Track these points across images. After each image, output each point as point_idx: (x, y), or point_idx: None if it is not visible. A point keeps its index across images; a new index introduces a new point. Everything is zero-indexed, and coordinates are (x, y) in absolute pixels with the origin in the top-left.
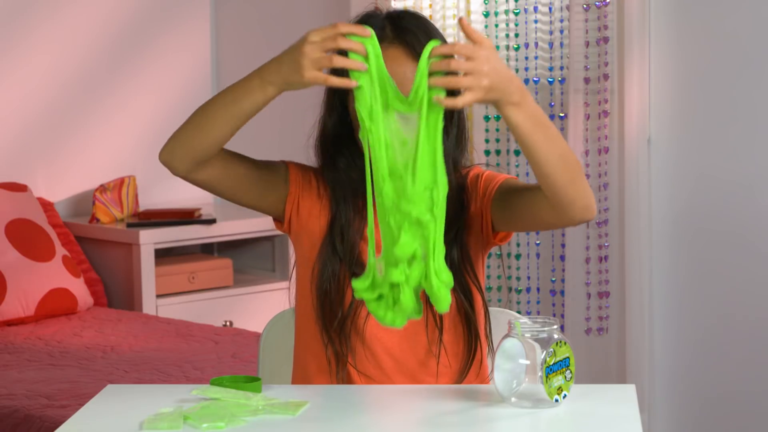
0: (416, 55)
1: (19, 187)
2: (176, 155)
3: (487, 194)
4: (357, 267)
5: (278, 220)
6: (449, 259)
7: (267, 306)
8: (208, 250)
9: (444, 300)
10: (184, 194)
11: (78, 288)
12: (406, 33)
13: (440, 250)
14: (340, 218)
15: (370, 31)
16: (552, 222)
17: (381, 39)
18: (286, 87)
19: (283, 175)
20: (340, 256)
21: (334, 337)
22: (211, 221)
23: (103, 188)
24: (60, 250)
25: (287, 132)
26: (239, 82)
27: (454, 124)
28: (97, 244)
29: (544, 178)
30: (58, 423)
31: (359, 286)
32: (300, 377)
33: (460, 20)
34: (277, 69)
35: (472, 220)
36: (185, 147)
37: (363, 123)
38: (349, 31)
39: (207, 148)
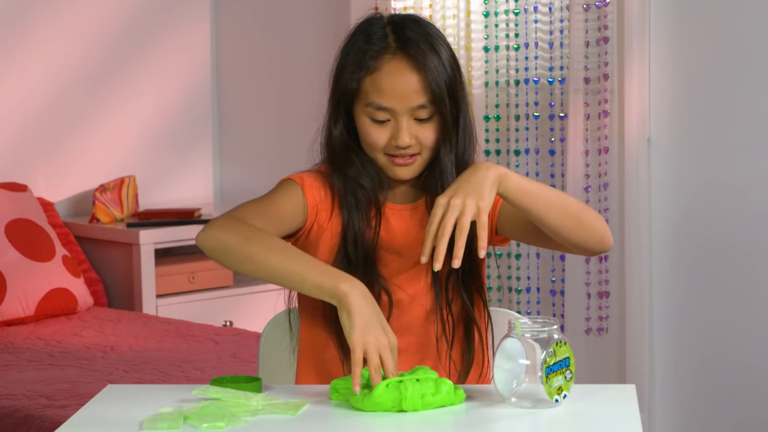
0: (419, 66)
1: (19, 187)
2: (212, 255)
3: (492, 208)
4: (373, 275)
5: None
6: (459, 270)
7: (267, 306)
8: None
9: (459, 397)
10: (184, 194)
11: (78, 288)
12: (409, 44)
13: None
14: (352, 227)
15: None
16: (568, 251)
17: (383, 50)
18: (319, 295)
19: (302, 207)
20: (355, 265)
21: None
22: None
23: (103, 188)
24: (60, 250)
25: (290, 135)
26: (303, 264)
27: (461, 129)
28: (97, 244)
29: (550, 232)
30: (58, 423)
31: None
32: (305, 379)
33: None
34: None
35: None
36: (222, 256)
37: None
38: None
39: (239, 271)
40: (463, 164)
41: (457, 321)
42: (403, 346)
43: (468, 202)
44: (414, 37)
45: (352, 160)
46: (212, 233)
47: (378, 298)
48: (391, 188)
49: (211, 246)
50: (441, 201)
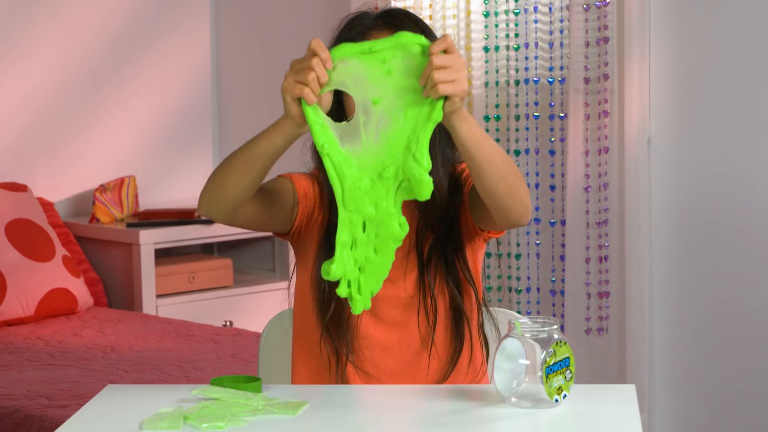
0: None
1: (19, 187)
2: (212, 206)
3: (464, 193)
4: None
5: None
6: (443, 255)
7: (267, 306)
8: (208, 250)
9: (426, 185)
10: (184, 194)
11: (78, 288)
12: (397, 22)
13: (424, 138)
14: (333, 217)
15: (330, 63)
16: (489, 222)
17: (372, 28)
18: (289, 130)
19: (292, 195)
20: None
21: (333, 333)
22: (211, 221)
23: (103, 188)
24: (60, 250)
25: None
26: (259, 139)
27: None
28: (97, 244)
29: (485, 189)
30: (58, 423)
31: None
32: (299, 379)
33: (445, 36)
34: (284, 116)
35: (462, 215)
36: (219, 197)
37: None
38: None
39: (237, 193)
40: (447, 159)
41: (446, 308)
42: (387, 335)
43: (463, 86)
44: (403, 19)
45: None
46: (200, 196)
47: None
48: None
49: (205, 202)
50: (451, 53)
